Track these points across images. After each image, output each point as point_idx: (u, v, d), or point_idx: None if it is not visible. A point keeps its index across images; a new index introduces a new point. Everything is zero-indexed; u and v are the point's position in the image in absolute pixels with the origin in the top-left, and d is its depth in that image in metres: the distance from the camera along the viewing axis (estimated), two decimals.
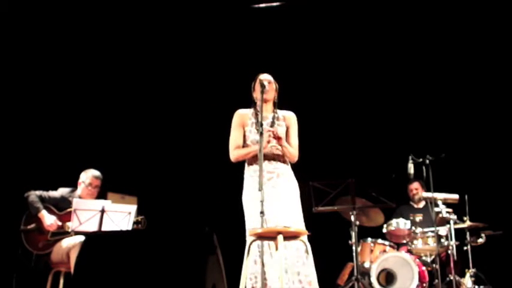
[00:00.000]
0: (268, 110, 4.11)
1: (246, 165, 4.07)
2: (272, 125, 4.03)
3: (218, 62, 6.53)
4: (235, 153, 4.05)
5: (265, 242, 3.76)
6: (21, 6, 6.04)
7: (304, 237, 3.64)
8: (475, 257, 5.34)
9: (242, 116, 4.12)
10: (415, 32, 6.36)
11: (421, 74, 6.48)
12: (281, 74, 4.21)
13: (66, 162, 5.59)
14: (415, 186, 6.05)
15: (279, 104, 4.18)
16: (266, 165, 3.90)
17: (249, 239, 3.71)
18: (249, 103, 4.17)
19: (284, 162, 4.05)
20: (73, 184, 4.91)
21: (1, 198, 5.52)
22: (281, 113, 4.15)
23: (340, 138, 6.44)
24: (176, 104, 6.63)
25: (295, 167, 4.14)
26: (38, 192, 4.68)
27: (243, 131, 4.10)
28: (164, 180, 6.42)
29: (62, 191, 4.82)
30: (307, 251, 3.65)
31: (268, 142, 3.89)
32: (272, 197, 3.84)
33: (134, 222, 4.63)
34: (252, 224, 3.87)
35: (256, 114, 4.03)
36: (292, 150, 4.02)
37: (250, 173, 4.02)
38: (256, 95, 4.04)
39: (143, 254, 2.67)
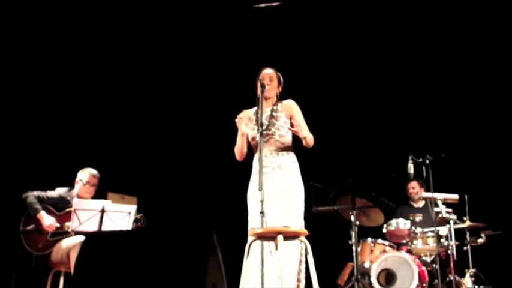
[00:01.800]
0: (269, 105, 4.11)
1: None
2: (271, 118, 4.01)
3: (219, 61, 6.54)
4: (235, 152, 4.11)
5: (266, 242, 3.76)
6: (21, 6, 6.04)
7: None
8: (475, 257, 5.34)
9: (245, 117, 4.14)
10: (415, 32, 6.36)
11: (421, 74, 6.48)
12: (281, 74, 4.21)
13: (66, 163, 5.58)
14: (413, 185, 6.05)
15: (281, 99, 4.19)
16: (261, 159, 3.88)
17: (250, 237, 3.72)
18: (250, 101, 4.17)
19: (282, 154, 4.00)
20: (73, 184, 4.90)
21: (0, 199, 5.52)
22: (280, 103, 4.12)
23: (341, 138, 6.43)
24: (176, 103, 6.63)
25: None
26: (36, 193, 4.67)
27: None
28: (164, 180, 6.42)
29: (60, 191, 4.82)
30: (306, 251, 3.64)
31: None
32: (269, 193, 3.81)
33: (133, 220, 4.63)
34: (250, 222, 3.91)
35: (257, 113, 4.02)
36: (308, 135, 3.96)
37: (253, 170, 4.04)
38: (259, 92, 4.04)
39: (143, 254, 2.66)
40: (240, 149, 4.07)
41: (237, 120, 3.93)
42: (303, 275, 3.86)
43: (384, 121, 6.53)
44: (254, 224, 3.85)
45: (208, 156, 6.28)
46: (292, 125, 3.99)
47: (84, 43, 6.37)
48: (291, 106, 4.09)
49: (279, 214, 3.81)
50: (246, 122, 3.96)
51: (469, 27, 6.24)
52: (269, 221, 3.74)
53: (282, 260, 3.44)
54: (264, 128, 3.94)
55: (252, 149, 4.12)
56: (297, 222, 3.86)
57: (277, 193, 3.87)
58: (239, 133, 4.03)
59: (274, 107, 4.07)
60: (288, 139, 4.04)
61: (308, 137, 3.93)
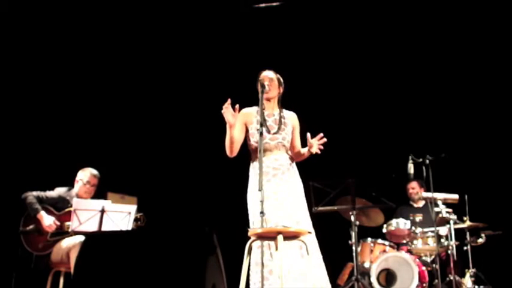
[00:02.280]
0: (272, 107, 4.13)
1: (250, 162, 4.09)
2: (280, 122, 4.05)
3: (219, 61, 6.53)
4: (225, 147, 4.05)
5: (266, 242, 3.76)
6: (21, 6, 6.04)
7: (305, 237, 3.63)
8: (475, 257, 5.33)
9: (245, 115, 4.12)
10: (415, 32, 6.36)
11: (421, 74, 6.48)
12: (281, 74, 4.21)
13: (66, 163, 5.58)
14: (413, 185, 6.05)
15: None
16: (271, 161, 3.92)
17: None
18: (250, 100, 4.17)
19: (289, 158, 4.07)
20: (73, 184, 4.90)
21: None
22: (284, 112, 4.17)
23: (341, 138, 6.42)
24: (176, 103, 6.63)
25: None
26: (35, 193, 4.67)
27: (245, 128, 4.11)
28: (164, 180, 6.42)
29: (59, 191, 4.82)
30: (307, 251, 3.64)
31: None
32: (277, 195, 3.86)
33: (133, 220, 4.63)
34: (253, 224, 3.90)
35: (262, 114, 4.02)
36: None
37: (254, 171, 4.04)
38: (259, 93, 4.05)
39: (143, 254, 2.66)
40: (228, 144, 3.97)
41: (223, 110, 3.84)
42: None
43: (384, 121, 6.53)
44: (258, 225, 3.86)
45: (208, 156, 6.27)
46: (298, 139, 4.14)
47: (84, 43, 6.36)
48: (295, 118, 4.20)
49: (288, 214, 3.85)
50: (233, 114, 3.86)
51: (469, 27, 6.24)
52: (284, 221, 3.77)
53: (284, 260, 3.46)
54: (274, 131, 4.02)
55: (255, 150, 4.12)
56: (305, 223, 3.92)
57: (287, 194, 3.93)
58: (227, 125, 3.92)
59: (282, 113, 4.12)
60: (290, 146, 4.13)
61: (306, 156, 4.07)
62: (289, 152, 4.10)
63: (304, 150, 4.06)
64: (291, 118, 4.16)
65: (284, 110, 4.18)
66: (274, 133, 4.02)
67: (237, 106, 3.90)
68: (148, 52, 6.56)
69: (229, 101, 3.86)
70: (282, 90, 4.17)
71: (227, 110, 3.85)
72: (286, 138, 4.05)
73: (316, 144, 3.92)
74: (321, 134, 3.95)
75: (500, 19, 6.17)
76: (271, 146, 3.98)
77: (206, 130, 6.32)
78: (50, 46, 6.21)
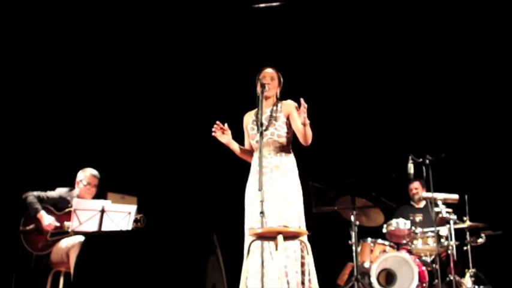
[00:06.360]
0: (269, 105, 4.11)
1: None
2: (270, 118, 4.02)
3: (218, 61, 6.54)
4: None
5: (265, 242, 3.76)
6: (21, 6, 6.04)
7: (304, 237, 3.63)
8: (475, 257, 5.34)
9: (246, 118, 4.21)
10: (415, 32, 6.36)
11: (421, 74, 6.48)
12: (281, 74, 4.21)
13: (66, 163, 5.58)
14: (415, 185, 6.04)
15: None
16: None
17: (247, 237, 3.73)
18: (249, 101, 4.17)
19: (280, 154, 4.00)
20: (74, 184, 4.90)
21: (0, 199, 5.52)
22: (280, 103, 4.11)
23: (341, 138, 6.43)
24: (176, 103, 6.63)
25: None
26: (36, 193, 4.67)
27: (247, 130, 4.16)
28: (164, 180, 6.42)
29: (60, 191, 4.81)
30: (306, 251, 3.64)
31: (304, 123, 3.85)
32: (267, 194, 3.80)
33: (133, 221, 4.63)
34: (247, 222, 3.91)
35: (257, 113, 4.02)
36: (309, 130, 3.93)
37: (251, 169, 4.05)
38: (259, 91, 4.04)
39: (143, 254, 2.66)
40: (240, 155, 4.15)
41: (213, 134, 3.98)
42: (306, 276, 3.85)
43: (384, 121, 6.53)
44: (253, 224, 3.85)
45: (208, 156, 6.27)
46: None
47: (84, 43, 6.37)
48: (289, 104, 4.07)
49: (275, 215, 3.80)
50: (225, 133, 4.00)
51: (468, 27, 6.24)
52: (271, 222, 3.73)
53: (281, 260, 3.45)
54: (263, 128, 3.94)
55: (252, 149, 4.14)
56: (293, 224, 3.82)
57: (274, 194, 3.87)
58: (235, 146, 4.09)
59: (274, 108, 4.08)
60: (286, 140, 4.04)
61: (308, 133, 3.89)
62: (284, 147, 4.00)
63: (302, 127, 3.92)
64: (286, 106, 4.05)
65: (280, 102, 4.10)
66: (264, 130, 3.94)
67: (226, 125, 4.01)
68: (148, 52, 6.56)
69: (217, 124, 3.98)
70: (280, 89, 4.16)
71: (217, 134, 3.98)
72: (276, 132, 3.98)
73: (302, 114, 3.79)
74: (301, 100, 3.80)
75: (499, 19, 6.17)
76: (261, 143, 3.94)
77: (206, 130, 6.32)
78: (50, 47, 6.21)
